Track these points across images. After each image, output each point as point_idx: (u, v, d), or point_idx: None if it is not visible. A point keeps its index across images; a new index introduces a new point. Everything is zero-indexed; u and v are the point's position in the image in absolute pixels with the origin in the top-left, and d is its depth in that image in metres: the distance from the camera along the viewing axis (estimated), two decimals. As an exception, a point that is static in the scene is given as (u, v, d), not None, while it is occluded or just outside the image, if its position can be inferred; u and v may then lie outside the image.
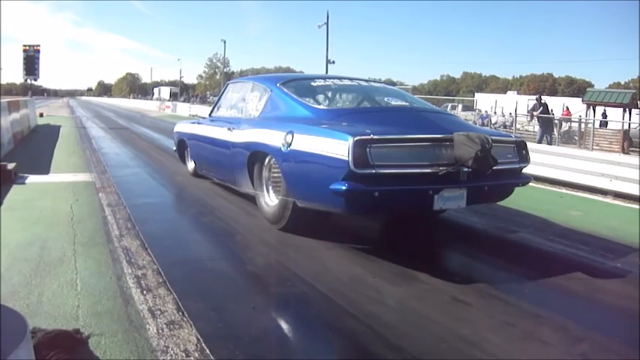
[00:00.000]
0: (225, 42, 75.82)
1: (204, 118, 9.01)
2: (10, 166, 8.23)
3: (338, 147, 4.69)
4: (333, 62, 47.18)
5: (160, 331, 3.30)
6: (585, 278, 4.82)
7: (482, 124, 33.53)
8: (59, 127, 20.60)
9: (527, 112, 25.29)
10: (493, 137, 5.18)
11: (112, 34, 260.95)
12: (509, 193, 5.85)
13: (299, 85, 6.84)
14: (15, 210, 6.35)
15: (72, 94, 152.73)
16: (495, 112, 38.99)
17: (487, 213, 7.14)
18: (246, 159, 6.44)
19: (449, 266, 5.30)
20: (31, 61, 38.87)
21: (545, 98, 23.64)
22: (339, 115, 5.78)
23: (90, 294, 3.85)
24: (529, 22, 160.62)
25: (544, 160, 11.06)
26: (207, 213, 6.74)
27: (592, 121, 23.06)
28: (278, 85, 6.62)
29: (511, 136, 6.27)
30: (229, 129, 7.06)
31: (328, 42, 46.75)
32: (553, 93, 74.94)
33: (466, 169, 4.88)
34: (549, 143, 19.52)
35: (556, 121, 23.53)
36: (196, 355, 3.02)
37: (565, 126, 26.29)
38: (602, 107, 26.09)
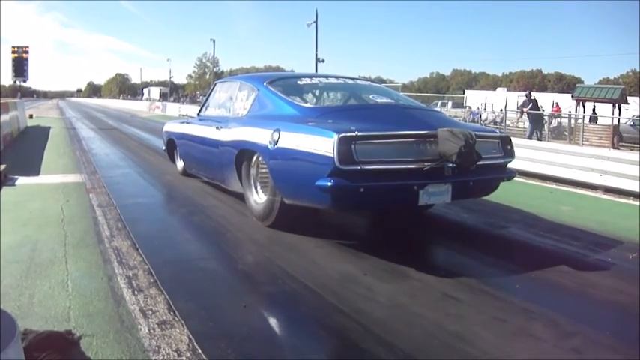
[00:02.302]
0: (214, 41, 75.51)
1: (192, 117, 9.01)
2: (0, 168, 8.20)
3: (323, 144, 4.76)
4: (323, 61, 47.21)
5: (152, 330, 3.30)
6: (576, 273, 4.85)
7: (473, 121, 33.61)
8: (49, 128, 20.50)
9: (517, 108, 25.32)
10: (477, 133, 5.26)
11: (100, 35, 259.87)
12: (494, 188, 5.89)
13: (285, 83, 6.91)
14: (5, 212, 6.32)
15: (62, 95, 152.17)
16: (485, 109, 39.07)
17: (477, 209, 7.16)
18: (234, 157, 6.51)
19: (439, 262, 5.32)
20: (20, 62, 38.59)
21: (534, 94, 23.67)
22: (325, 113, 5.82)
23: (81, 295, 3.85)
24: (518, 18, 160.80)
25: (534, 155, 11.12)
26: (198, 212, 6.75)
27: (582, 117, 23.13)
28: (265, 84, 6.68)
29: (496, 132, 6.47)
30: (217, 128, 7.11)
31: (317, 40, 46.79)
32: (542, 89, 74.96)
33: (450, 165, 4.94)
34: (539, 139, 19.59)
35: (546, 117, 23.61)
36: (188, 354, 3.03)
37: (555, 122, 26.40)
38: (592, 103, 26.16)
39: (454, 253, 5.57)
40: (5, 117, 14.65)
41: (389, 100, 6.61)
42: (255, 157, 6.23)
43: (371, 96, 6.75)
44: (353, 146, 4.66)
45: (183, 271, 4.54)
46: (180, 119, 11.07)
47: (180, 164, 9.47)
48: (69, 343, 2.99)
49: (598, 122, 24.44)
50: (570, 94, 30.42)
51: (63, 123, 26.47)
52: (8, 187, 7.85)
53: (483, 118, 34.61)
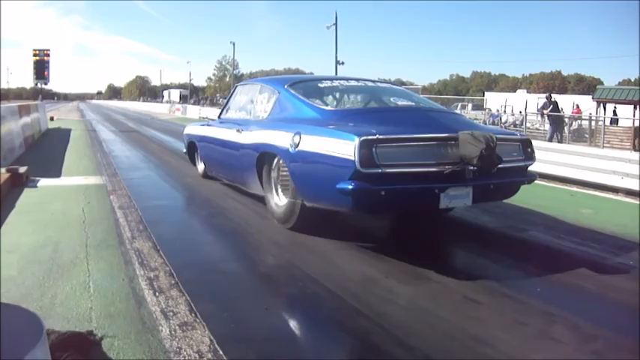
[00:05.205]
0: (234, 44, 75.89)
1: (213, 120, 9.04)
2: (22, 169, 8.28)
3: (344, 147, 4.76)
4: (343, 63, 47.18)
5: (173, 332, 3.31)
6: (597, 276, 4.80)
7: (493, 123, 33.49)
8: (70, 130, 20.66)
9: (538, 110, 25.19)
10: (498, 136, 5.23)
11: (120, 37, 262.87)
12: (515, 190, 5.85)
13: (306, 86, 6.92)
14: (27, 213, 6.39)
15: (82, 97, 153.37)
16: (505, 111, 38.85)
17: (497, 212, 7.11)
18: (255, 160, 6.50)
19: (460, 265, 5.28)
20: (41, 65, 39.02)
21: (555, 96, 23.53)
22: (345, 116, 5.89)
23: (102, 296, 3.87)
24: (537, 20, 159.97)
25: (555, 158, 11.03)
26: (218, 214, 6.76)
27: (602, 119, 22.95)
28: (286, 86, 6.67)
29: (516, 134, 6.47)
30: (238, 130, 7.10)
31: (337, 43, 46.79)
32: (563, 91, 74.27)
33: (471, 168, 4.92)
34: (560, 141, 19.46)
35: (566, 119, 23.45)
36: (209, 356, 3.03)
37: (575, 124, 26.21)
38: (613, 104, 25.95)
39: (474, 255, 5.53)
40: (27, 119, 14.80)
41: (409, 103, 6.62)
42: (276, 160, 6.21)
43: (391, 99, 6.80)
44: (374, 149, 4.66)
45: (204, 273, 4.54)
46: (201, 122, 11.12)
47: (201, 166, 9.47)
48: (90, 343, 3.02)
49: (619, 124, 24.26)
50: (591, 96, 30.22)
51: (83, 125, 26.65)
52: (30, 188, 7.92)
53: (503, 120, 34.45)
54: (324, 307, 3.94)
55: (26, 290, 3.92)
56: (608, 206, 8.65)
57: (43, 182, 8.43)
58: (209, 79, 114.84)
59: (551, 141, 18.51)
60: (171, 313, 3.59)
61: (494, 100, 49.78)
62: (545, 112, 21.51)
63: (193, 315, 3.57)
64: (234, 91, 8.70)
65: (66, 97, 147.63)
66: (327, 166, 5.04)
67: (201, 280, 4.38)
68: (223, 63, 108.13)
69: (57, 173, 9.52)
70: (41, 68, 39.03)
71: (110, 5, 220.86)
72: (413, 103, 6.65)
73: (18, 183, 7.92)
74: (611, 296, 4.38)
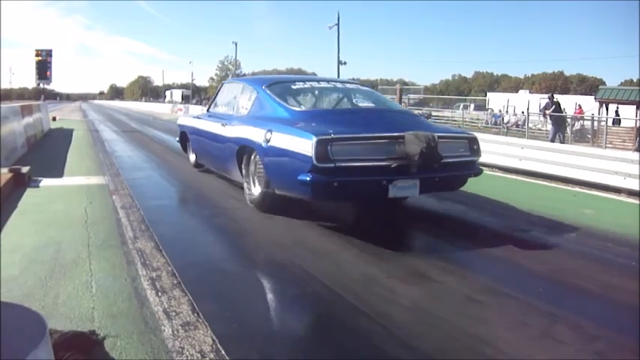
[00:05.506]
0: (236, 44, 76.01)
1: (203, 114, 10.01)
2: (24, 169, 8.28)
3: (305, 145, 5.57)
4: (345, 63, 47.37)
5: (176, 332, 3.31)
6: (599, 276, 4.80)
7: (495, 123, 33.56)
8: (72, 130, 20.65)
9: (540, 110, 25.15)
10: (444, 134, 6.29)
11: (122, 38, 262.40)
12: (462, 183, 6.66)
13: (281, 87, 7.80)
14: (29, 213, 6.40)
15: (84, 97, 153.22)
16: (507, 112, 38.85)
17: (500, 213, 7.11)
18: (235, 152, 7.41)
19: (462, 265, 5.27)
20: (44, 65, 39.01)
21: (557, 97, 23.49)
22: (311, 116, 6.77)
23: (105, 296, 3.87)
24: (540, 20, 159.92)
25: (557, 158, 11.01)
26: (220, 214, 6.77)
27: (605, 119, 22.93)
28: (263, 87, 7.57)
29: (464, 133, 7.18)
30: (223, 125, 8.04)
31: (339, 43, 46.87)
32: (565, 91, 74.31)
33: (415, 163, 5.69)
34: (562, 142, 19.45)
35: (568, 120, 23.42)
36: (212, 355, 3.03)
37: (578, 124, 26.20)
38: (615, 105, 25.93)
39: (477, 256, 5.52)
40: (29, 119, 14.80)
41: (369, 104, 7.95)
42: (253, 154, 6.95)
43: (354, 100, 8.19)
44: (329, 147, 5.49)
45: (206, 273, 4.54)
46: (192, 114, 11.98)
47: (192, 156, 10.45)
48: (93, 343, 3.02)
49: (621, 124, 24.24)
50: (593, 96, 30.19)
51: (86, 125, 26.63)
52: (32, 188, 7.93)
53: (505, 120, 34.47)
54: (326, 306, 3.95)
55: (28, 290, 3.93)
56: (611, 207, 8.62)
57: (46, 182, 8.43)
58: (211, 79, 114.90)
59: (553, 141, 18.49)
60: (174, 313, 3.59)
61: (496, 100, 49.83)
62: (547, 112, 21.46)
63: (196, 315, 3.57)
64: (221, 88, 9.69)
65: (68, 97, 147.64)
66: (292, 160, 5.83)
67: (204, 280, 4.38)
68: (225, 63, 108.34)
69: (59, 173, 9.52)
70: (43, 68, 38.99)
71: (112, 5, 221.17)
72: (373, 105, 7.94)
73: (20, 183, 7.92)
74: (614, 296, 4.37)
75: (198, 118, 9.82)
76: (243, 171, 7.30)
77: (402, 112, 8.01)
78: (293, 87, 7.97)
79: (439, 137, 5.91)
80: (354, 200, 7.18)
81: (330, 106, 8.24)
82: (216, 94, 9.67)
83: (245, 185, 7.27)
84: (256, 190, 6.94)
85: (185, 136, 10.67)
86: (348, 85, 8.86)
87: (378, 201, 6.79)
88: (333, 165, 5.48)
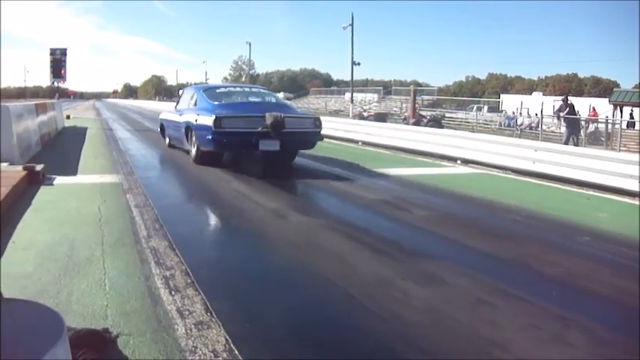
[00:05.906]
0: (250, 44, 76.41)
1: (172, 111, 13.81)
2: (38, 167, 8.32)
3: (209, 120, 9.96)
4: (359, 64, 47.57)
5: (189, 331, 3.31)
6: (612, 280, 4.76)
7: (509, 126, 33.50)
8: (86, 128, 20.74)
9: (554, 113, 25.03)
10: (291, 115, 10.89)
11: (136, 37, 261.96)
12: (310, 144, 11.15)
13: (211, 91, 12.54)
14: (43, 211, 6.42)
15: (98, 96, 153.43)
16: (521, 114, 38.66)
17: (512, 215, 7.08)
18: (184, 130, 11.69)
19: (475, 268, 5.24)
20: (58, 64, 39.22)
21: (571, 99, 23.35)
22: (221, 107, 10.83)
23: (118, 294, 3.88)
24: (554, 22, 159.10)
25: (571, 161, 10.93)
26: (235, 214, 6.77)
27: (619, 122, 22.78)
28: (201, 91, 12.19)
29: (309, 115, 13.76)
30: (179, 115, 12.37)
31: (353, 44, 46.92)
32: (579, 94, 73.70)
33: (269, 130, 9.82)
34: (576, 144, 19.34)
35: (582, 122, 23.29)
36: (225, 355, 3.03)
37: (592, 127, 26.04)
38: (630, 107, 25.76)
39: (490, 258, 5.49)
40: (43, 117, 14.88)
41: (258, 100, 12.32)
42: (192, 129, 11.04)
43: (249, 97, 12.53)
44: (222, 121, 9.85)
45: (220, 273, 4.56)
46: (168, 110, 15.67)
47: (167, 140, 14.22)
48: (106, 341, 3.02)
49: (635, 127, 24.08)
50: (607, 99, 30.01)
51: (99, 124, 26.68)
52: (46, 186, 7.96)
53: (519, 122, 34.30)
54: (339, 308, 3.93)
55: (42, 287, 3.94)
56: (625, 210, 8.55)
57: (59, 180, 8.47)
58: (225, 79, 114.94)
59: (567, 144, 18.39)
60: (187, 312, 3.59)
61: (509, 102, 49.48)
62: (561, 114, 21.34)
63: (209, 314, 3.57)
64: (182, 93, 13.78)
65: (82, 96, 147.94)
66: (205, 129, 10.14)
67: (217, 279, 4.38)
68: (239, 63, 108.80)
69: (73, 171, 9.55)
70: (58, 67, 39.22)
71: (126, 5, 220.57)
72: (259, 99, 12.35)
73: (34, 181, 7.97)
74: (627, 301, 4.31)
75: (170, 112, 13.88)
76: (189, 140, 11.38)
77: (273, 104, 12.15)
78: (217, 91, 12.78)
79: (285, 116, 10.05)
80: (240, 150, 11.08)
81: (235, 101, 11.86)
82: (180, 97, 13.71)
83: (189, 149, 11.44)
84: (194, 149, 11.02)
85: (162, 127, 14.76)
86: (253, 89, 14.90)
87: (254, 149, 10.37)
88: (223, 130, 9.80)
